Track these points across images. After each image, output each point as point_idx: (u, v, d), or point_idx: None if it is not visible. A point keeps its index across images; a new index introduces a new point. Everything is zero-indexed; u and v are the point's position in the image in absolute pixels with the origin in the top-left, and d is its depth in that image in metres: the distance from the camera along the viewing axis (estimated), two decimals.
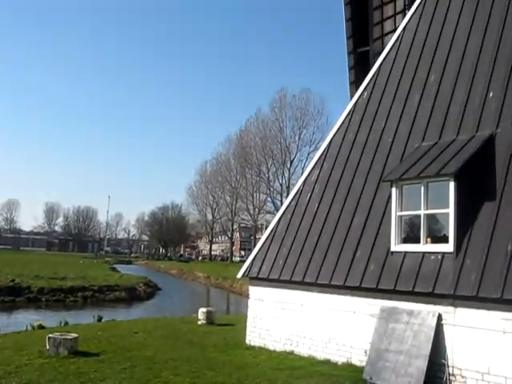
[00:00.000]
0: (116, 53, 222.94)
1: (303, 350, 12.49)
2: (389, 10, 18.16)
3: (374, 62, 17.68)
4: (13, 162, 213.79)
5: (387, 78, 13.75)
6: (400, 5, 18.14)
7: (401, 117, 12.88)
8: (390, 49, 14.04)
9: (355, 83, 18.50)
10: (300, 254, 13.08)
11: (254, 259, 14.28)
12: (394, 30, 17.76)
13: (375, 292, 11.08)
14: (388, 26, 18.22)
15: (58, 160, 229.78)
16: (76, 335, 12.29)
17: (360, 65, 18.75)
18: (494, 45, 11.80)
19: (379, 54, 17.93)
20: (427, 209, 10.84)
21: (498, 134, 10.76)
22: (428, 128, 12.14)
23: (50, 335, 11.98)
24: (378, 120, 13.41)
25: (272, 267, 13.56)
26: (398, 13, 18.12)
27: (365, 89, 14.18)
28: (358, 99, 14.22)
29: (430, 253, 10.52)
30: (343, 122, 14.25)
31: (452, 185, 10.32)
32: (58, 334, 12.38)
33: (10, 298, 34.70)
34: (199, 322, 18.08)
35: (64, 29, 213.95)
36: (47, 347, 11.75)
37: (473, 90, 11.68)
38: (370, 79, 14.14)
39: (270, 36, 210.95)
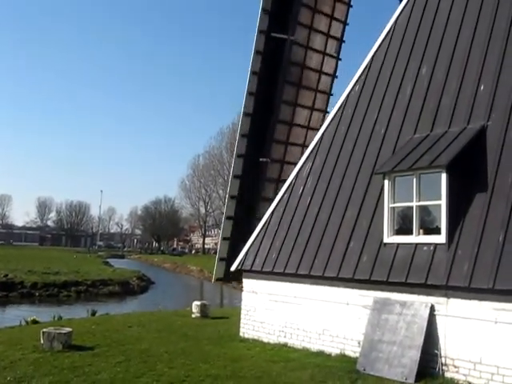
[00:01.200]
0: (114, 43, 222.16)
1: (297, 342, 12.55)
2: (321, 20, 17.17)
3: (289, 65, 16.69)
4: (4, 156, 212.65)
5: (379, 70, 13.76)
6: (341, 12, 17.38)
7: (393, 109, 12.92)
8: (382, 40, 14.04)
9: (258, 75, 16.28)
10: (293, 246, 13.12)
11: (247, 252, 14.31)
12: (326, 34, 17.11)
13: (368, 283, 11.14)
14: (321, 23, 17.13)
15: (51, 154, 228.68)
16: (70, 329, 12.30)
17: (270, 54, 16.41)
18: (485, 37, 11.83)
19: (294, 64, 16.77)
20: (419, 200, 10.90)
21: (490, 126, 10.82)
22: (420, 120, 12.18)
23: (44, 330, 11.98)
24: (370, 113, 13.44)
25: (265, 260, 13.60)
26: (335, 19, 17.27)
27: (357, 81, 14.19)
28: (350, 92, 14.22)
29: (422, 244, 10.59)
30: (335, 115, 14.26)
31: (444, 176, 10.38)
32: (52, 328, 12.38)
33: (3, 293, 34.69)
34: (193, 315, 18.11)
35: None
36: (41, 342, 11.76)
37: (464, 82, 11.73)
38: (362, 72, 14.15)
39: None
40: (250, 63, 16.27)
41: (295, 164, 15.56)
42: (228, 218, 16.56)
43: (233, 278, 16.22)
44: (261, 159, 17.32)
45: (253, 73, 16.24)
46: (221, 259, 16.46)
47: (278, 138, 17.79)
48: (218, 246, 16.93)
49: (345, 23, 17.80)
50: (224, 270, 16.12)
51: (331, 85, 18.47)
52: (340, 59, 18.23)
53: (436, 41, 12.79)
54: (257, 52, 16.25)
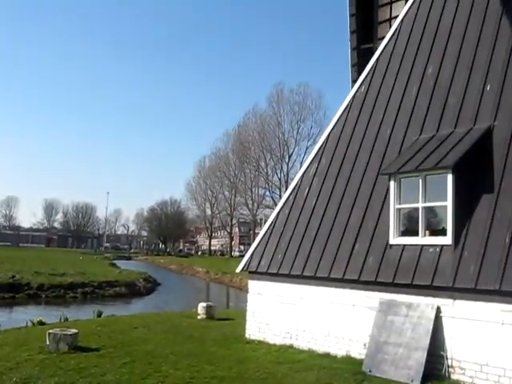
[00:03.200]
0: (116, 47, 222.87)
1: (303, 344, 12.53)
2: (399, 7, 16.51)
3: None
4: (11, 158, 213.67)
5: (385, 70, 13.74)
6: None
7: (398, 110, 12.89)
8: (388, 41, 14.02)
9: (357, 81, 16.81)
10: (299, 247, 13.10)
11: (252, 253, 14.30)
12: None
13: (374, 285, 11.11)
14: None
15: (57, 156, 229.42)
16: (76, 331, 12.30)
17: (363, 62, 16.76)
18: (491, 37, 11.80)
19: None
20: (425, 201, 10.86)
21: (496, 126, 10.78)
22: (426, 121, 12.15)
23: (50, 331, 12.00)
24: (375, 113, 13.41)
25: (271, 261, 13.58)
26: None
27: (362, 82, 14.17)
28: (355, 93, 14.21)
29: (428, 245, 10.55)
30: (341, 116, 14.24)
31: (450, 177, 10.34)
32: (58, 329, 12.40)
33: (10, 295, 34.70)
34: (199, 317, 18.10)
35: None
36: (47, 343, 11.77)
37: (470, 82, 11.69)
38: (368, 72, 14.13)
39: (269, 30, 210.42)
40: (350, 75, 17.61)
41: None
42: None
43: None
44: None
45: (353, 81, 16.94)
46: None
47: None
48: None
49: None
50: None
51: None
52: None
53: (442, 41, 12.75)
54: (352, 65, 17.40)
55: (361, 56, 17.34)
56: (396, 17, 16.46)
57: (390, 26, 16.63)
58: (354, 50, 17.41)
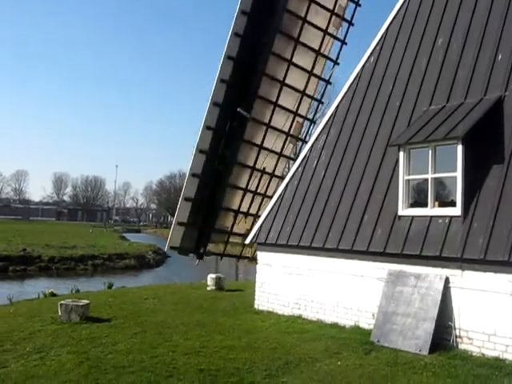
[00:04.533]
0: (121, 14, 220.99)
1: (311, 314, 12.65)
2: None
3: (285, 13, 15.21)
4: (20, 132, 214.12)
5: (394, 41, 13.55)
6: None
7: (408, 81, 12.74)
8: (398, 11, 13.79)
9: (249, 20, 14.69)
10: (307, 219, 13.14)
11: (261, 225, 14.35)
12: None
13: (383, 256, 11.15)
14: None
15: (66, 130, 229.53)
16: (87, 302, 12.48)
17: (258, 14, 15.01)
18: (503, 6, 11.57)
19: (292, 14, 15.45)
20: (435, 173, 10.81)
21: (507, 96, 10.65)
22: (436, 91, 12.02)
23: (62, 302, 12.19)
24: (385, 84, 13.27)
25: (280, 233, 13.64)
26: None
27: (372, 53, 13.99)
28: (365, 63, 14.04)
29: (437, 217, 10.54)
30: (350, 87, 14.11)
31: (460, 148, 10.27)
32: (70, 300, 12.58)
33: (22, 267, 35.19)
34: (208, 288, 18.29)
35: None
36: (59, 314, 11.96)
37: (481, 52, 11.51)
38: (377, 43, 13.94)
39: None
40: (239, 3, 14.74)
41: (282, 131, 16.10)
42: (193, 175, 15.27)
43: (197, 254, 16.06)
44: (239, 109, 15.36)
45: (242, 12, 14.62)
46: (179, 223, 15.44)
47: (264, 96, 15.78)
48: (177, 209, 15.45)
49: None
50: (181, 239, 15.48)
51: (339, 52, 16.94)
52: (353, 24, 16.76)
53: (453, 11, 12.53)
54: None
55: (258, 4, 14.89)
56: None
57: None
58: None
